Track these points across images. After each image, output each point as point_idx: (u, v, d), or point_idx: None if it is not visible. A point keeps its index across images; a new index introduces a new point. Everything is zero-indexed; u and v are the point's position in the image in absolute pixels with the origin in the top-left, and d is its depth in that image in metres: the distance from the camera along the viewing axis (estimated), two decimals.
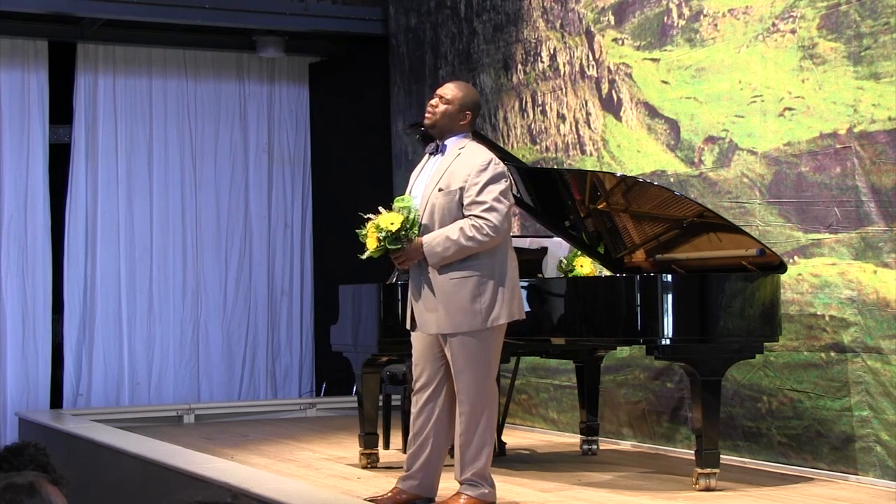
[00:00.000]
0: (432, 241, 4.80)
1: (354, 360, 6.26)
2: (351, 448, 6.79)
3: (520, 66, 8.08)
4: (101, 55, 9.96)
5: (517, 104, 8.09)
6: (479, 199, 4.78)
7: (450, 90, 5.00)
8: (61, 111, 9.85)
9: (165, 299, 10.05)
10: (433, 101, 5.00)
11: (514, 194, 6.10)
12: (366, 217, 4.92)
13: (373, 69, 9.99)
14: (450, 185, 4.84)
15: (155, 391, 9.92)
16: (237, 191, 10.42)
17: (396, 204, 4.90)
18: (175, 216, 10.14)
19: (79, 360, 9.74)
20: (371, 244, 4.87)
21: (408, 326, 5.04)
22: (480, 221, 4.75)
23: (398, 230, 4.80)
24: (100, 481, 6.76)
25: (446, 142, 4.98)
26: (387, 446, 6.79)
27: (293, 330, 10.56)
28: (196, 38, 10.15)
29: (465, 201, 4.81)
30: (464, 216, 4.80)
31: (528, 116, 7.99)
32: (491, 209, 4.77)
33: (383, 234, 4.81)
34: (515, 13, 8.15)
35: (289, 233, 10.62)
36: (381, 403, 6.48)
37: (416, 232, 4.83)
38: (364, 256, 4.95)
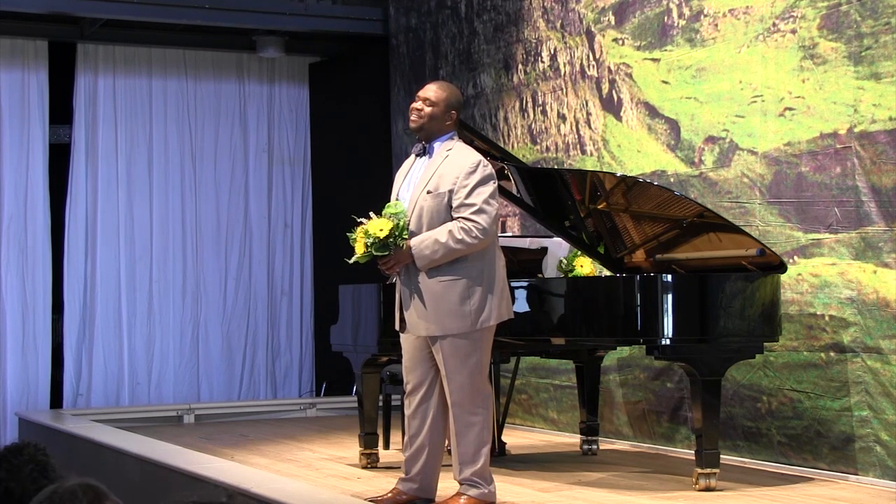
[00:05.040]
0: (420, 243, 4.79)
1: (354, 360, 6.26)
2: (351, 448, 6.79)
3: (520, 66, 8.08)
4: (101, 55, 9.96)
5: (517, 104, 8.09)
6: (468, 201, 4.77)
7: (433, 92, 4.96)
8: (61, 111, 9.85)
9: (165, 299, 10.05)
10: (417, 105, 4.96)
11: (514, 194, 6.12)
12: (357, 221, 4.91)
13: (373, 69, 9.99)
14: (438, 188, 4.82)
15: (155, 391, 9.92)
16: (237, 191, 10.42)
17: (387, 210, 4.88)
18: (175, 216, 10.14)
19: (79, 360, 9.74)
20: (359, 249, 4.87)
21: (397, 328, 5.04)
22: (469, 224, 4.75)
23: (386, 237, 4.79)
24: (100, 481, 6.76)
25: (433, 143, 4.97)
26: (387, 446, 6.79)
27: (293, 330, 10.56)
28: (196, 38, 10.15)
29: (454, 203, 4.79)
30: (452, 218, 4.80)
31: (528, 116, 7.99)
32: (480, 211, 4.76)
33: (371, 240, 4.80)
34: (516, 13, 8.15)
35: (289, 233, 10.62)
36: (381, 403, 6.48)
37: (405, 238, 4.83)
38: (351, 261, 4.94)
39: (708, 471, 5.29)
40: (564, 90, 7.61)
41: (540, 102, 7.86)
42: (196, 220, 10.22)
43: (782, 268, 5.52)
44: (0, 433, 9.27)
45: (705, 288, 5.34)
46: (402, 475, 5.06)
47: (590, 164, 7.27)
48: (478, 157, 4.89)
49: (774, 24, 6.00)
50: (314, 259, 10.64)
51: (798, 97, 5.85)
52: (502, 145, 7.70)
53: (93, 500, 2.32)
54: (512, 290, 5.31)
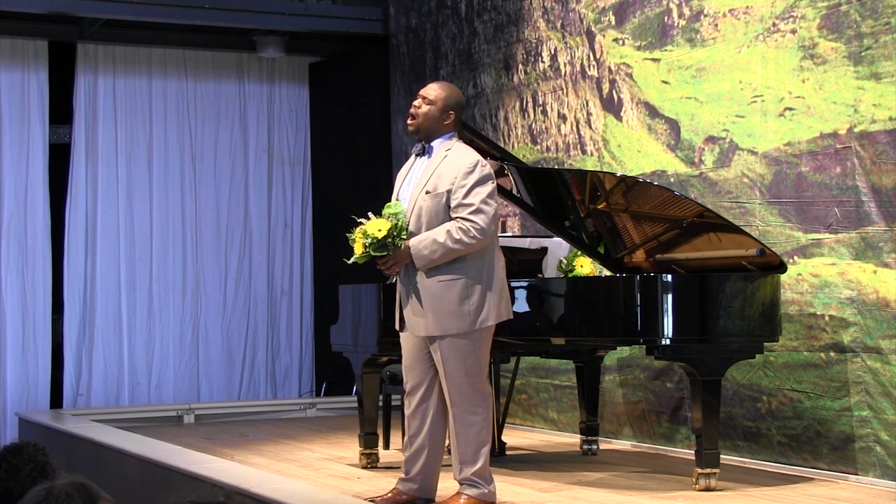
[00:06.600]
0: (419, 243, 4.79)
1: (354, 360, 6.26)
2: (351, 448, 6.79)
3: (520, 66, 8.08)
4: (101, 55, 9.96)
5: (518, 104, 8.09)
6: (466, 201, 4.77)
7: (432, 91, 4.97)
8: (61, 111, 9.86)
9: (165, 299, 10.06)
10: (416, 102, 4.97)
11: (514, 194, 6.12)
12: (357, 221, 4.91)
13: (373, 69, 9.99)
14: (437, 188, 4.82)
15: (155, 391, 9.93)
16: (237, 191, 10.42)
17: (386, 210, 4.88)
18: (175, 216, 10.15)
19: (79, 360, 9.74)
20: (358, 250, 4.87)
21: (396, 327, 5.04)
22: (467, 224, 4.74)
23: (384, 237, 4.79)
24: (100, 481, 6.75)
25: (433, 143, 4.96)
26: (387, 446, 6.79)
27: (293, 330, 10.56)
28: (196, 38, 10.15)
29: (452, 203, 4.79)
30: (451, 219, 4.80)
31: (528, 116, 7.99)
32: (478, 211, 4.76)
33: (369, 240, 4.80)
34: (516, 13, 8.15)
35: (289, 233, 10.62)
36: (381, 403, 6.48)
37: (404, 238, 4.82)
38: (350, 261, 4.94)
39: (708, 471, 5.29)
40: (565, 90, 7.61)
41: (540, 102, 7.86)
42: (196, 220, 10.22)
43: (782, 268, 5.52)
44: (0, 433, 9.28)
45: (705, 288, 5.34)
46: (402, 475, 5.06)
47: (590, 164, 7.27)
48: (476, 156, 4.89)
49: (774, 24, 6.00)
50: (314, 259, 10.64)
51: (798, 97, 5.85)
52: (502, 145, 7.70)
53: (87, 500, 2.32)
54: (512, 290, 5.31)
